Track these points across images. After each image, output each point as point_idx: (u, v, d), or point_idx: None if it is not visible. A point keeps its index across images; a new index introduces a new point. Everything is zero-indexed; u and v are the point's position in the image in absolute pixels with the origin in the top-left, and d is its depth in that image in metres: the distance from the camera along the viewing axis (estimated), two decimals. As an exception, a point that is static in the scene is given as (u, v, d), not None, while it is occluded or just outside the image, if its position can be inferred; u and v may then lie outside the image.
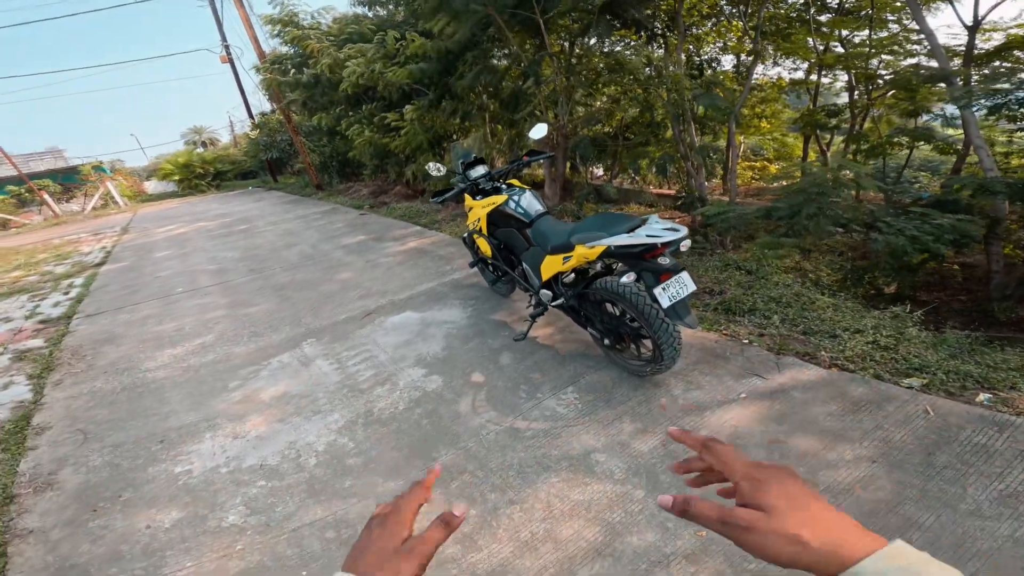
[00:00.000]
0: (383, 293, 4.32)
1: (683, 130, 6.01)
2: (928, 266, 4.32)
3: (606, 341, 2.57)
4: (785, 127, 9.34)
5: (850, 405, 2.31)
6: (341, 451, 2.45)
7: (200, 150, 30.67)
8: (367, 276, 4.89)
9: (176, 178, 22.58)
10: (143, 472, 2.54)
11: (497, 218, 3.09)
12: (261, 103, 21.36)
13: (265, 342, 3.66)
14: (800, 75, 7.73)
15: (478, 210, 3.20)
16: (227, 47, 16.93)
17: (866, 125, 6.59)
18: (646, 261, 2.14)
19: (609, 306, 2.55)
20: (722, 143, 8.15)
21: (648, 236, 2.09)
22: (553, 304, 2.70)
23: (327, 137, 12.58)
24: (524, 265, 2.94)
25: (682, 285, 2.15)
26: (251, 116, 19.02)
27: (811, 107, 7.47)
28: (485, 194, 3.21)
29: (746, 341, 2.85)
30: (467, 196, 3.34)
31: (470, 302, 3.84)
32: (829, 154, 8.45)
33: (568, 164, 8.24)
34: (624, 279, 2.21)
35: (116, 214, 16.92)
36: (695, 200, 6.10)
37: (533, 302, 3.03)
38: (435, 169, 3.33)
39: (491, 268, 3.57)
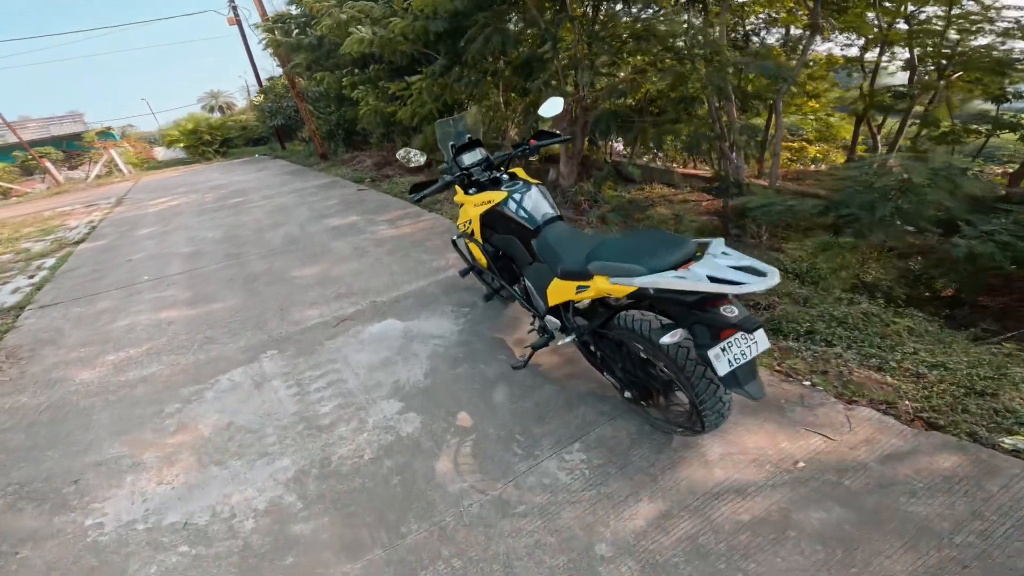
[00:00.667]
0: (364, 292, 3.81)
1: (720, 107, 5.37)
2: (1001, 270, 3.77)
3: (627, 394, 2.03)
4: (831, 107, 8.59)
5: (940, 481, 1.80)
6: (287, 513, 1.99)
7: (216, 115, 30.26)
8: (350, 268, 4.39)
9: (182, 145, 22.30)
10: (48, 521, 2.13)
11: (493, 220, 2.50)
12: (273, 67, 20.87)
13: (218, 352, 3.20)
14: (854, 52, 7.01)
15: (470, 209, 2.62)
16: (234, 8, 16.38)
17: (932, 108, 5.92)
18: (703, 311, 1.55)
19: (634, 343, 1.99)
20: (757, 121, 7.48)
21: (711, 279, 1.47)
22: (561, 343, 2.15)
23: (334, 104, 12.14)
24: (526, 282, 2.39)
25: (750, 345, 1.57)
26: (259, 81, 18.54)
27: (864, 87, 6.80)
28: (480, 187, 2.62)
29: (807, 382, 2.30)
30: (458, 188, 2.75)
31: (463, 310, 3.32)
32: (880, 138, 7.79)
33: (587, 139, 7.59)
34: (667, 338, 1.58)
35: (119, 182, 16.77)
36: (730, 185, 5.51)
37: (536, 325, 2.49)
38: (414, 156, 2.72)
39: (491, 279, 2.99)
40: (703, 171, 8.93)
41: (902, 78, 6.89)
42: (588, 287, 1.81)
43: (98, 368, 3.21)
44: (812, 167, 9.50)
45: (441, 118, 6.05)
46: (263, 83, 18.75)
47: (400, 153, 2.76)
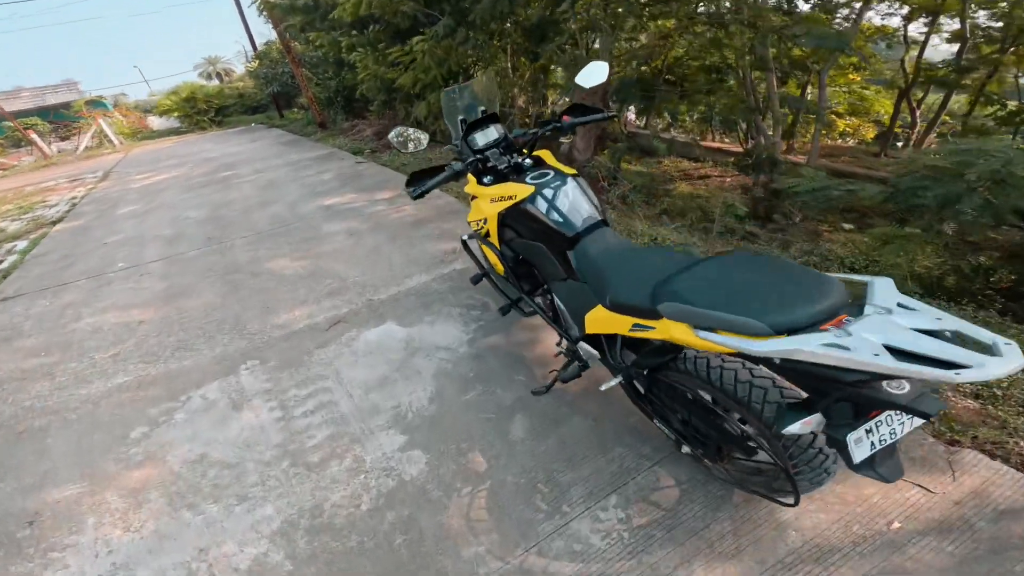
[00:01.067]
0: (361, 287, 3.47)
1: (758, 76, 4.95)
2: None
3: (686, 449, 1.69)
4: (865, 79, 8.16)
5: (1067, 548, 1.50)
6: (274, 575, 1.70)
7: (214, 83, 29.59)
8: (344, 256, 4.04)
9: (176, 114, 21.81)
10: (3, 572, 1.87)
11: (515, 220, 2.04)
12: (270, 31, 20.17)
13: (192, 361, 2.89)
14: (894, 21, 6.62)
15: (484, 205, 2.16)
16: (225, -34, 15.59)
17: (988, 83, 5.56)
18: (855, 387, 1.05)
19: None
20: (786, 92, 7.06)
21: (892, 352, 0.95)
22: (605, 387, 1.70)
23: (333, 69, 11.72)
24: (555, 298, 2.01)
25: (903, 421, 1.13)
26: (254, 46, 17.94)
27: (905, 58, 6.38)
28: (498, 176, 2.15)
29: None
30: (470, 176, 2.27)
31: (473, 313, 2.99)
32: (918, 114, 7.40)
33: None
34: (796, 427, 1.12)
35: (109, 154, 16.48)
36: (763, 161, 5.12)
37: (563, 347, 2.13)
38: (413, 136, 2.27)
39: (510, 289, 2.44)
40: (724, 144, 8.49)
41: (944, 51, 6.54)
42: (652, 328, 1.37)
43: (57, 378, 2.91)
44: (840, 142, 9.08)
45: (446, 85, 5.49)
46: (258, 48, 18.14)
47: (394, 133, 2.27)
